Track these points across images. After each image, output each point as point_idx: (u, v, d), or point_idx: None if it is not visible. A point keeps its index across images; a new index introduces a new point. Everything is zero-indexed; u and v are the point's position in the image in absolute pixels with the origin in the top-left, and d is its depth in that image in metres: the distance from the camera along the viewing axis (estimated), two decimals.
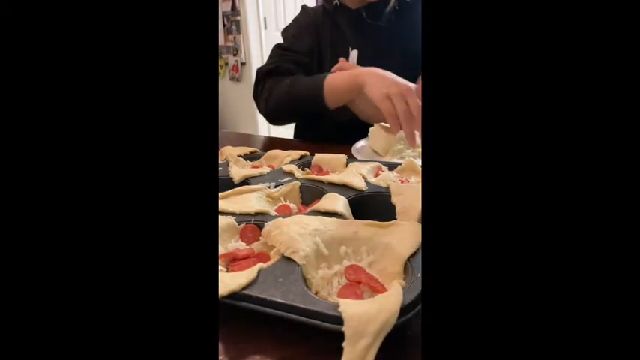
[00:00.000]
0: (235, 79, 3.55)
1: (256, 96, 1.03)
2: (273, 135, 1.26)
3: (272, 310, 0.30)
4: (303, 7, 1.11)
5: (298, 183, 0.56)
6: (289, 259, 0.35)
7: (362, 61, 0.97)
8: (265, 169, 0.63)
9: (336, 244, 0.38)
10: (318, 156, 0.68)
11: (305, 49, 1.03)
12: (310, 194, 0.54)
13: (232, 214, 0.46)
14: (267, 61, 1.05)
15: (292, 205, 0.52)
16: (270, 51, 1.07)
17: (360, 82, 0.80)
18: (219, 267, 0.38)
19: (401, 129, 0.73)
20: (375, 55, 0.98)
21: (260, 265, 0.35)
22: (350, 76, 0.83)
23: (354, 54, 0.99)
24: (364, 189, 0.52)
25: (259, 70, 1.02)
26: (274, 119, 1.04)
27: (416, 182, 0.54)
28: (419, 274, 0.32)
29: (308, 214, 0.45)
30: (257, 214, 0.46)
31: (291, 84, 0.93)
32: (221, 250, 0.40)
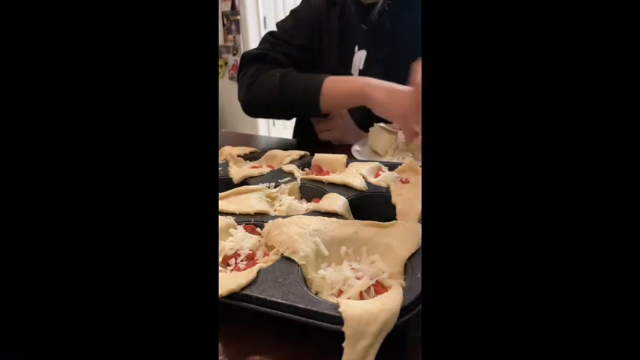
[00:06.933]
0: (235, 78, 3.54)
1: (238, 80, 0.95)
2: (273, 135, 1.25)
3: (272, 310, 0.30)
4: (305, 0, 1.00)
5: (298, 183, 0.55)
6: (289, 260, 0.35)
7: (371, 64, 0.88)
8: (265, 169, 0.63)
9: (336, 244, 0.38)
10: (318, 156, 0.67)
11: (298, 43, 0.93)
12: (310, 194, 0.54)
13: (232, 214, 0.46)
14: (257, 47, 0.97)
15: None
16: (262, 37, 0.98)
17: (366, 95, 0.74)
18: (219, 267, 0.38)
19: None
20: (389, 58, 0.87)
21: (260, 265, 0.35)
22: (353, 86, 0.78)
23: (361, 54, 0.88)
24: (364, 189, 0.52)
25: (245, 54, 0.94)
26: (255, 110, 0.95)
27: (416, 182, 0.54)
28: (419, 275, 0.32)
29: (308, 214, 0.45)
30: (257, 214, 0.46)
31: (282, 79, 0.84)
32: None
